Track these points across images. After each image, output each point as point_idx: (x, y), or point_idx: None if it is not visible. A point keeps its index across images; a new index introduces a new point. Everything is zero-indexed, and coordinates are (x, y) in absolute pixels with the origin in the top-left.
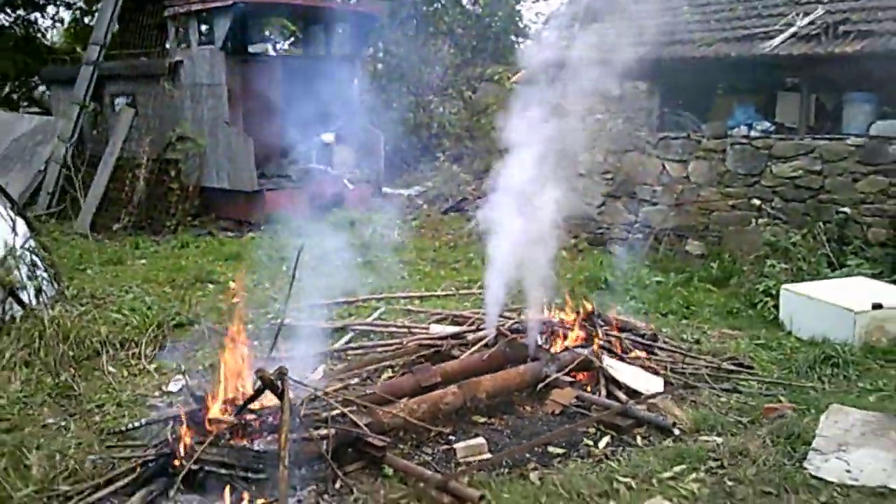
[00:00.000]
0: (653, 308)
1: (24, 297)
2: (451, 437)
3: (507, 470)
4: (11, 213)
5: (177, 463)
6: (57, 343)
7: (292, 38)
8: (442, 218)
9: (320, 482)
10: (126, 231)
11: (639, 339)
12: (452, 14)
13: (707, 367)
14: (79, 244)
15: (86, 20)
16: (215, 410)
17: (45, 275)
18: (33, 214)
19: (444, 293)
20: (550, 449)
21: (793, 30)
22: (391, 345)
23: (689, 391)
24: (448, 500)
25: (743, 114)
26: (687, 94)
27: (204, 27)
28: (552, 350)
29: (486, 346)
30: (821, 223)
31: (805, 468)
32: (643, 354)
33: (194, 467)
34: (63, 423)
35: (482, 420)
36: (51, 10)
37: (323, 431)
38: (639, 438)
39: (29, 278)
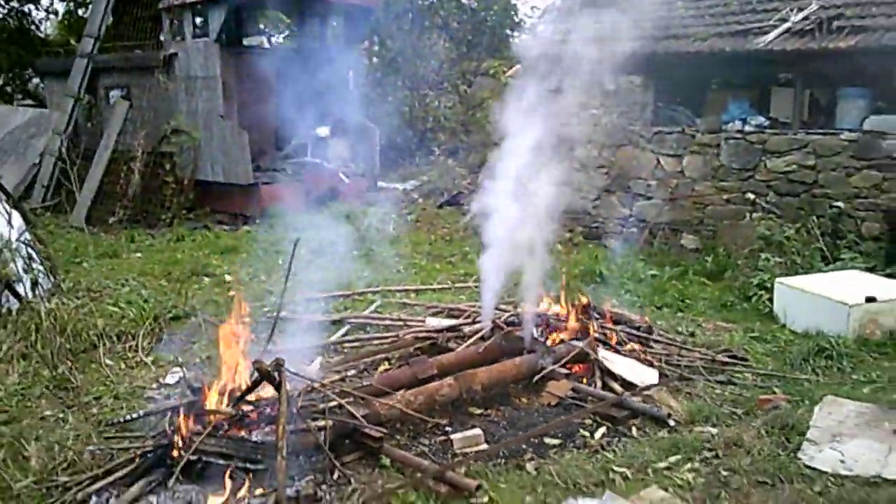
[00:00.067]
0: (648, 301)
1: (20, 289)
2: (447, 429)
3: (503, 460)
4: (7, 206)
5: (175, 454)
6: (54, 336)
7: (287, 31)
8: (437, 212)
9: (318, 473)
10: (121, 224)
11: (634, 332)
12: (448, 8)
13: (702, 359)
14: (74, 237)
15: (80, 12)
16: (213, 401)
17: (41, 268)
18: (28, 207)
19: (439, 286)
20: (547, 440)
21: (787, 25)
22: (387, 337)
23: (684, 383)
24: (445, 489)
25: (737, 108)
26: (681, 89)
27: (199, 19)
28: (548, 342)
29: (482, 338)
30: (814, 217)
31: (799, 458)
32: (638, 347)
33: (192, 458)
34: (61, 415)
35: (479, 411)
36: (45, 1)
37: (320, 423)
38: (634, 429)
39: (25, 271)
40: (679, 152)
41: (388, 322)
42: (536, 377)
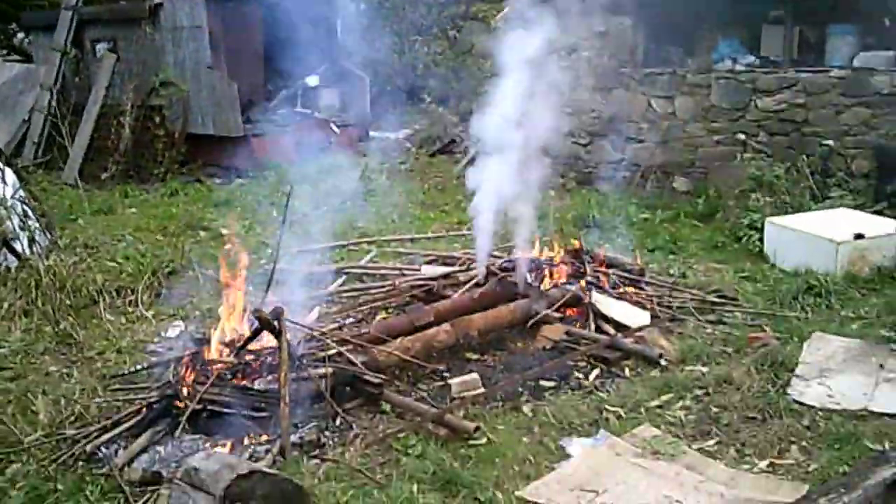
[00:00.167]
0: (640, 244)
1: (17, 247)
2: (445, 374)
3: (500, 403)
4: None
5: (180, 404)
6: (54, 292)
7: None
8: (430, 160)
9: (321, 419)
10: (114, 180)
11: (626, 275)
12: None
13: (693, 300)
14: (68, 194)
15: None
16: (215, 352)
17: (37, 225)
18: (21, 165)
19: (434, 235)
20: (542, 382)
21: None
22: (384, 286)
23: (675, 324)
24: (444, 432)
25: (727, 47)
26: (671, 29)
27: None
28: (541, 287)
29: (476, 285)
30: (804, 156)
31: (788, 394)
32: (630, 289)
33: (198, 407)
34: (66, 371)
35: (475, 357)
36: None
37: (321, 371)
38: (627, 370)
39: (21, 228)
40: (670, 94)
41: (384, 271)
42: (531, 321)
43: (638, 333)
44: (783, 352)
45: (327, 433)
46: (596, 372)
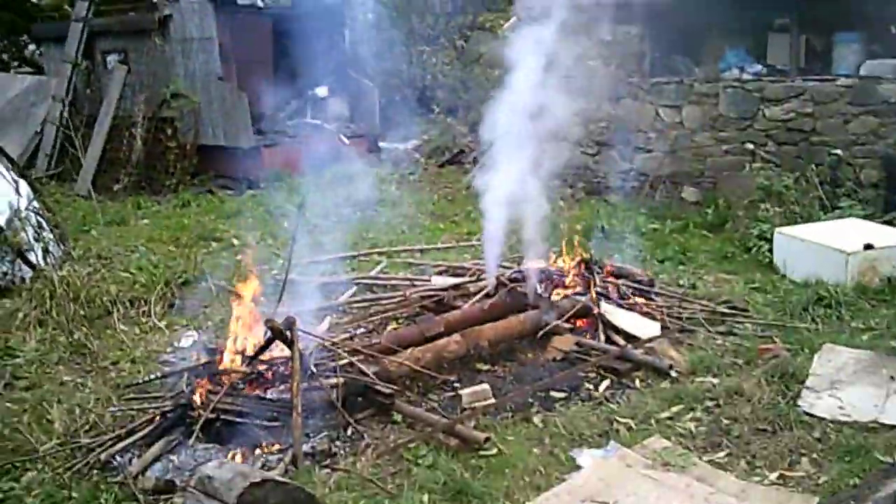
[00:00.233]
0: (650, 255)
1: (32, 258)
2: (456, 384)
3: (511, 414)
4: (13, 175)
5: (194, 413)
6: (68, 303)
7: None
8: (439, 171)
9: (332, 429)
10: (126, 191)
11: (635, 286)
12: None
13: (703, 310)
14: (81, 205)
15: None
16: (228, 361)
17: (50, 236)
18: (34, 176)
19: (444, 246)
20: (552, 393)
21: None
22: (394, 297)
23: (685, 335)
24: (455, 442)
25: (734, 56)
26: (678, 38)
27: None
28: (551, 298)
29: (487, 295)
30: (813, 166)
31: (798, 406)
32: (640, 300)
33: (211, 416)
34: (80, 380)
35: (485, 367)
36: None
37: (333, 381)
38: (637, 381)
39: (35, 240)
40: (678, 103)
41: (394, 282)
42: (541, 332)
43: (648, 344)
44: (794, 363)
45: (339, 443)
46: (606, 383)
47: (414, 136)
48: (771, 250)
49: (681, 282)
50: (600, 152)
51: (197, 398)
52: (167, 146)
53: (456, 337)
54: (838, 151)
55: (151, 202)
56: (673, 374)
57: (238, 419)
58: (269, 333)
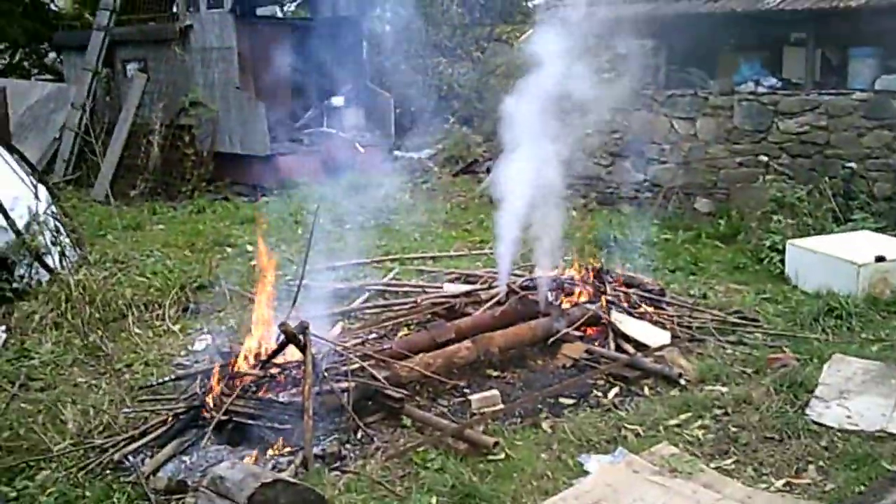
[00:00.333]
0: (661, 265)
1: (49, 261)
2: (465, 390)
3: (520, 419)
4: (33, 180)
5: (207, 415)
6: (84, 306)
7: (299, 0)
8: (453, 180)
9: (342, 432)
10: (143, 197)
11: (646, 295)
12: None
13: (713, 320)
14: (97, 210)
15: None
16: (242, 365)
17: (67, 240)
18: (51, 181)
19: (456, 254)
20: (561, 399)
21: None
22: (406, 303)
23: (695, 343)
24: (464, 447)
25: (749, 70)
26: (693, 51)
27: None
28: (562, 306)
29: (498, 303)
30: (826, 178)
31: (807, 415)
32: (650, 309)
33: (223, 418)
34: (94, 382)
35: (495, 374)
36: None
37: (344, 385)
38: (646, 389)
39: (53, 243)
40: (692, 115)
41: (406, 289)
42: (551, 339)
43: (658, 353)
44: (802, 373)
45: (349, 446)
46: (615, 390)
47: (429, 146)
48: (783, 261)
49: (692, 291)
50: (614, 163)
51: (210, 400)
52: (184, 153)
53: (467, 343)
54: (852, 164)
55: (167, 208)
56: (682, 382)
57: (250, 421)
58: (282, 337)
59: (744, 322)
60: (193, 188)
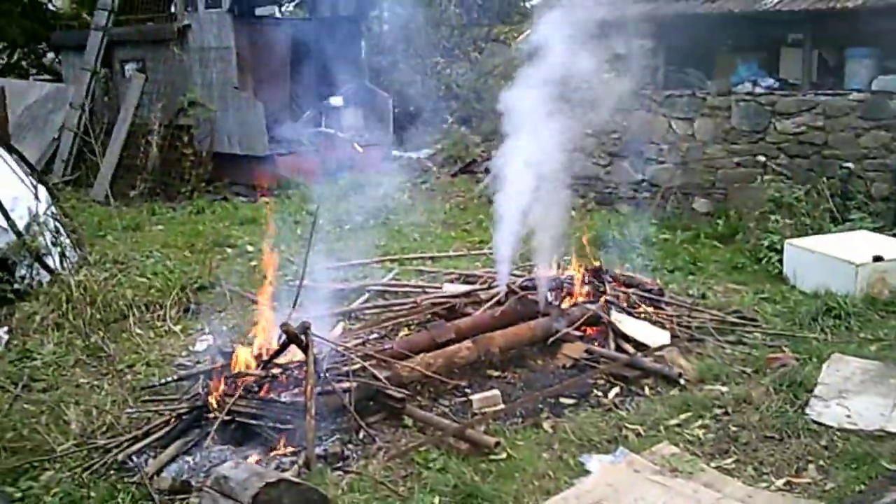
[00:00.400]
0: (660, 265)
1: (49, 262)
2: (466, 390)
3: (521, 419)
4: (32, 180)
5: (209, 415)
6: (85, 306)
7: (297, 0)
8: (452, 180)
9: (344, 432)
10: (142, 197)
11: (645, 294)
12: None
13: (712, 320)
14: (97, 211)
15: None
16: (243, 365)
17: (67, 241)
18: (50, 182)
19: (455, 254)
20: (562, 399)
21: None
22: (406, 304)
23: (694, 343)
24: (465, 447)
25: (747, 70)
26: (691, 52)
27: None
28: (562, 306)
29: (497, 303)
30: (824, 178)
31: (806, 414)
32: (650, 309)
33: (226, 419)
34: (96, 382)
35: (496, 374)
36: None
37: (345, 385)
38: (646, 388)
39: (53, 244)
40: (690, 115)
41: (406, 289)
42: (551, 339)
43: (657, 353)
44: (802, 372)
45: (351, 446)
46: (615, 390)
47: (427, 146)
48: (781, 261)
49: (691, 291)
50: (612, 163)
51: (212, 400)
52: (183, 153)
53: (467, 343)
54: (849, 165)
55: (167, 208)
56: (682, 381)
57: (252, 421)
58: (284, 338)
59: (743, 322)
60: (192, 188)
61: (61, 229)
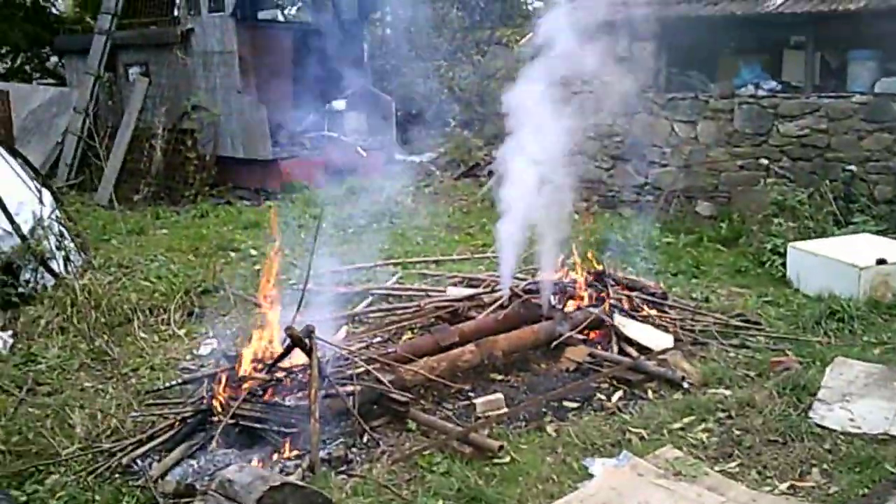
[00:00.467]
0: (663, 268)
1: (54, 266)
2: (470, 393)
3: (524, 423)
4: (37, 184)
5: (214, 419)
6: (89, 310)
7: (300, 4)
8: (455, 184)
9: (348, 436)
10: (146, 202)
11: (649, 298)
12: None
13: (716, 323)
14: (101, 215)
15: None
16: (248, 368)
17: (72, 244)
18: (55, 186)
19: (459, 257)
20: (565, 403)
21: None
22: (410, 307)
23: (698, 347)
24: (469, 450)
25: (749, 73)
26: (694, 54)
27: None
28: (565, 309)
29: (501, 306)
30: (827, 181)
31: (810, 418)
32: (653, 312)
33: (231, 422)
34: (101, 386)
35: (499, 377)
36: None
37: (349, 388)
38: (650, 392)
39: (57, 248)
40: (693, 118)
41: (410, 293)
42: (554, 343)
43: (661, 356)
44: (805, 376)
45: (355, 449)
46: (619, 394)
47: (430, 149)
48: (784, 264)
49: (694, 295)
50: (615, 166)
51: (217, 404)
52: (187, 157)
53: (470, 347)
54: (852, 167)
55: (171, 212)
56: (685, 385)
57: (257, 425)
58: (288, 341)
59: (746, 325)
60: (196, 192)
61: (66, 233)
